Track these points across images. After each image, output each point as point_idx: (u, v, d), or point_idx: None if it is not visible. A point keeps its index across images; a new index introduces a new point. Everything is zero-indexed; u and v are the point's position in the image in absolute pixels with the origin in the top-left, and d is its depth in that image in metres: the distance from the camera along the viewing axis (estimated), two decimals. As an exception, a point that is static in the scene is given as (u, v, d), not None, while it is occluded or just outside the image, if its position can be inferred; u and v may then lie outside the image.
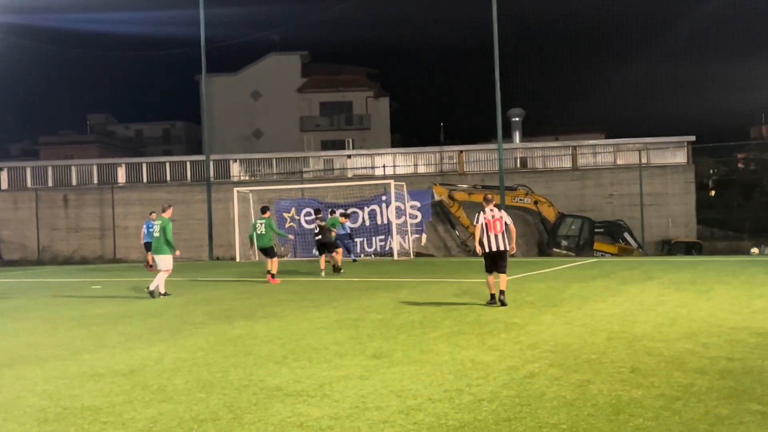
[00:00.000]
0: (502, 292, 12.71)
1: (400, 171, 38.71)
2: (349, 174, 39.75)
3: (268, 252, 19.83)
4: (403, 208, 33.20)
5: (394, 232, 31.96)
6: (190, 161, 41.42)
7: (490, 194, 13.86)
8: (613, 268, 21.03)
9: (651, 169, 36.06)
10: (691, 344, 8.45)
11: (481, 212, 12.96)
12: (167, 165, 41.34)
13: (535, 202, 34.88)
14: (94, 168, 41.68)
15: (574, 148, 38.44)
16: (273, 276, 19.29)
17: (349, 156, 41.39)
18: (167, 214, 16.37)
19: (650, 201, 35.14)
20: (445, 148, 41.75)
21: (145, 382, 7.20)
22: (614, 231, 34.47)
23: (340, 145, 55.46)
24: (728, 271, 18.94)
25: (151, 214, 27.97)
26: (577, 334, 9.32)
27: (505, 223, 12.83)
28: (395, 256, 30.99)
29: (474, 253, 13.42)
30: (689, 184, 36.63)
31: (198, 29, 36.58)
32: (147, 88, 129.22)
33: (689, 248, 33.31)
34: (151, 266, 26.43)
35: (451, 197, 35.36)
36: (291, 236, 27.88)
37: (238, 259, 32.95)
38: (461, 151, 39.57)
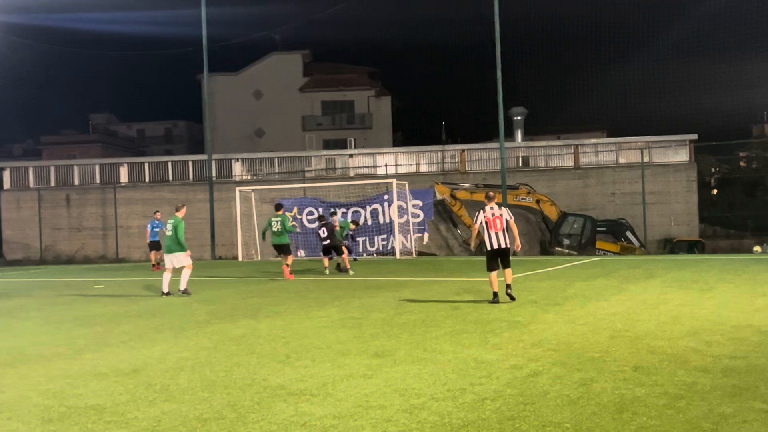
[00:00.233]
0: (508, 286, 12.87)
1: (402, 170, 38.69)
2: (351, 173, 39.75)
3: (284, 249, 20.10)
4: (405, 207, 33.21)
5: (396, 231, 31.97)
6: (192, 161, 41.43)
7: (492, 192, 13.87)
8: (615, 267, 21.02)
9: (653, 167, 36.04)
10: (694, 342, 8.44)
11: (481, 211, 12.98)
12: (169, 164, 41.35)
13: (537, 201, 34.86)
14: (97, 168, 41.71)
15: (576, 146, 38.40)
16: (291, 272, 19.89)
17: (351, 155, 41.38)
18: (180, 214, 16.32)
19: (652, 199, 35.13)
20: (447, 147, 41.73)
21: (148, 382, 7.20)
22: (616, 230, 34.45)
23: (341, 144, 55.44)
24: (731, 270, 18.94)
25: (155, 213, 28.04)
26: (579, 333, 9.32)
27: (506, 220, 12.86)
28: (397, 255, 31.00)
29: (478, 251, 13.44)
30: (691, 183, 36.59)
31: (200, 29, 36.61)
32: (149, 88, 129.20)
33: (691, 247, 33.29)
34: (156, 266, 26.48)
35: (453, 196, 35.34)
36: (298, 229, 27.60)
37: (240, 259, 32.96)
38: (463, 150, 39.55)
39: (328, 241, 21.66)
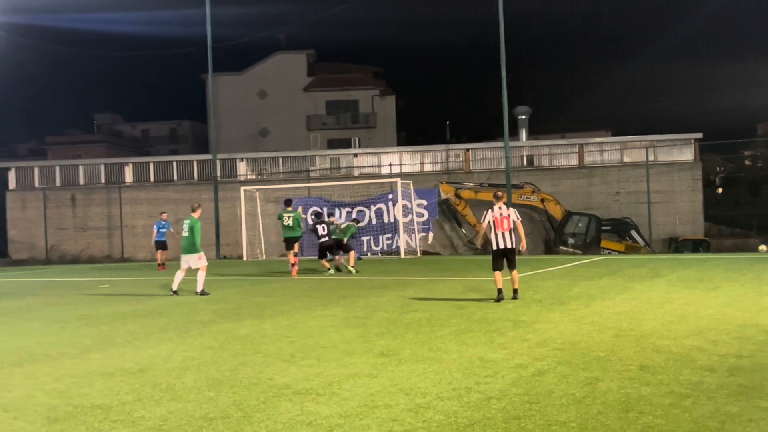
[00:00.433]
0: (515, 291, 13.05)
1: (406, 169, 38.70)
2: (356, 172, 39.77)
3: (294, 242, 20.76)
4: (409, 206, 33.21)
5: (400, 230, 31.97)
6: (197, 160, 41.49)
7: (500, 191, 13.91)
8: (620, 266, 21.00)
9: (658, 166, 36.00)
10: (699, 342, 8.43)
11: (489, 210, 13.04)
12: (174, 164, 41.42)
13: (542, 200, 34.84)
14: (102, 167, 41.78)
15: (581, 145, 38.37)
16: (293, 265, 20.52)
17: (355, 155, 41.40)
18: (197, 214, 16.31)
19: (657, 198, 35.08)
20: (452, 146, 41.72)
21: (154, 381, 7.22)
22: (621, 229, 34.41)
23: (346, 143, 55.48)
24: (736, 269, 18.90)
25: (161, 214, 28.07)
26: (585, 332, 9.32)
27: (513, 220, 12.94)
28: (402, 255, 31.00)
29: (482, 250, 13.47)
30: (696, 182, 36.54)
31: (204, 29, 36.62)
32: (153, 88, 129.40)
33: (696, 246, 33.23)
34: (163, 265, 26.53)
35: (457, 195, 35.33)
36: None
37: (245, 258, 32.98)
38: (467, 149, 39.55)
39: (326, 239, 21.55)
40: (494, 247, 12.97)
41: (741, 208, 44.73)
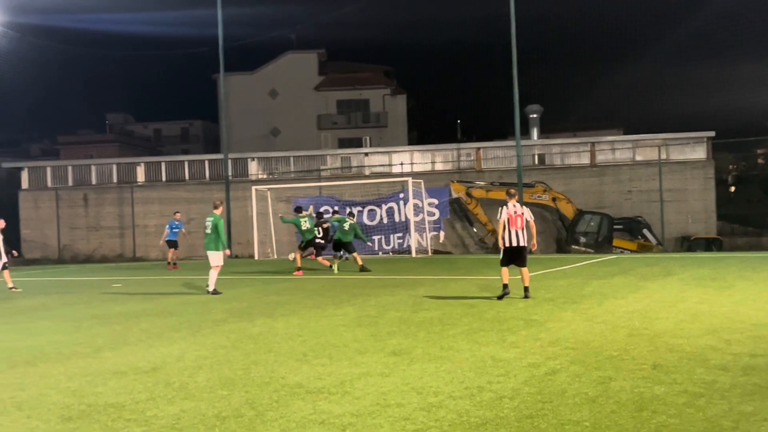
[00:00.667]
0: (526, 289, 13.09)
1: (417, 168, 38.65)
2: (367, 172, 39.76)
3: (312, 244, 21.99)
4: (420, 205, 33.21)
5: (412, 229, 31.96)
6: (209, 160, 41.58)
7: (513, 189, 13.94)
8: (632, 265, 20.93)
9: (670, 165, 35.82)
10: (713, 341, 8.39)
11: (505, 207, 13.05)
12: (186, 164, 41.51)
13: (554, 199, 34.73)
14: (114, 167, 41.93)
15: (593, 144, 38.23)
16: (299, 269, 21.39)
17: (366, 154, 41.39)
18: (219, 211, 16.34)
19: (670, 197, 34.91)
20: (463, 145, 41.64)
21: (167, 380, 7.24)
22: (633, 227, 34.28)
23: (357, 143, 55.50)
24: (749, 267, 18.81)
25: (175, 214, 28.17)
26: (597, 331, 9.29)
27: (526, 219, 12.99)
28: (413, 254, 30.99)
29: (494, 249, 13.49)
30: (709, 180, 36.35)
31: (215, 29, 36.72)
32: (165, 88, 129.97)
33: (709, 244, 33.06)
34: (173, 265, 26.61)
35: (468, 194, 35.27)
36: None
37: (256, 257, 33.04)
38: (479, 148, 39.47)
39: (323, 241, 21.82)
40: (506, 245, 12.99)
41: (754, 207, 44.48)
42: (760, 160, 53.74)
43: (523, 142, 35.76)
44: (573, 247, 33.36)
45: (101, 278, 23.55)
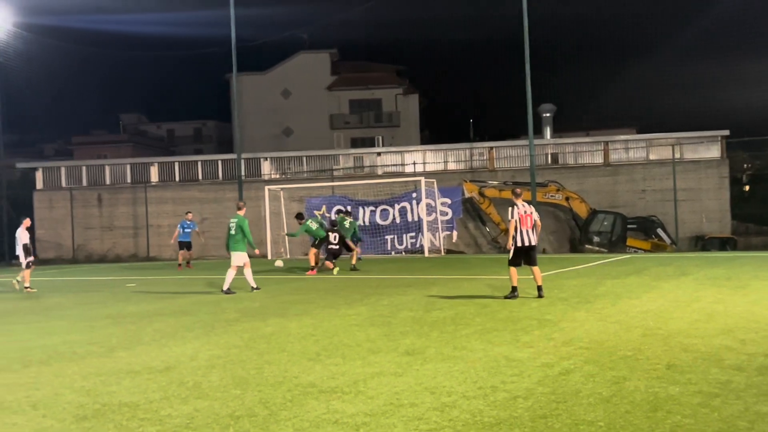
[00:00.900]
0: (539, 288, 13.11)
1: (430, 168, 38.59)
2: (379, 171, 39.72)
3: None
4: (433, 205, 33.17)
5: (424, 229, 31.93)
6: (222, 160, 41.65)
7: (519, 188, 13.94)
8: (646, 265, 20.84)
9: (684, 164, 35.62)
10: (728, 340, 8.35)
11: (515, 207, 13.03)
12: (199, 164, 41.60)
13: (567, 199, 34.62)
14: (128, 167, 42.07)
15: (606, 143, 38.06)
16: (313, 268, 21.70)
17: (378, 153, 41.35)
18: (242, 212, 16.62)
19: (684, 196, 34.72)
20: (475, 144, 41.51)
21: (180, 379, 7.26)
22: (647, 227, 34.12)
23: (369, 142, 55.50)
24: (764, 267, 18.70)
25: (186, 214, 28.26)
26: (611, 331, 9.25)
27: (535, 219, 13.05)
28: (426, 253, 30.97)
29: (505, 249, 13.46)
30: (723, 179, 36.13)
31: (228, 29, 36.75)
32: (178, 88, 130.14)
33: (723, 244, 32.87)
34: (187, 263, 26.69)
35: (481, 194, 35.21)
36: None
37: (269, 257, 33.10)
38: (491, 148, 39.36)
39: (337, 247, 21.77)
40: (518, 244, 12.98)
41: (769, 206, 44.19)
42: (774, 159, 53.37)
43: (536, 142, 35.66)
44: (586, 246, 33.23)
45: (115, 278, 23.66)
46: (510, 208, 13.26)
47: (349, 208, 30.71)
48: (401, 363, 7.66)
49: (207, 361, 8.15)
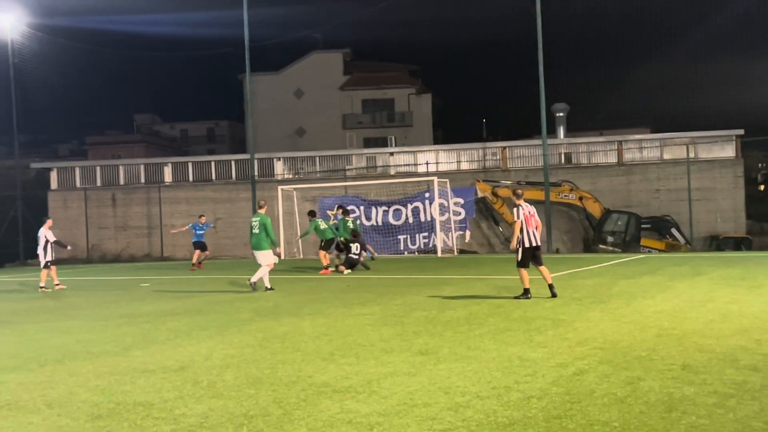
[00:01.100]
0: (551, 286, 13.09)
1: (442, 168, 38.58)
2: (392, 171, 39.75)
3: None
4: (446, 205, 33.14)
5: (437, 228, 31.90)
6: (235, 160, 41.80)
7: (520, 189, 13.93)
8: (660, 264, 20.76)
9: (699, 163, 35.45)
10: (743, 341, 8.30)
11: (520, 207, 13.03)
12: (212, 164, 41.77)
13: (580, 198, 34.54)
14: (141, 167, 42.28)
15: (620, 143, 37.94)
16: (326, 267, 21.90)
17: (391, 153, 41.37)
18: (264, 211, 16.74)
19: (698, 196, 34.56)
20: (488, 144, 41.47)
21: (195, 378, 7.28)
22: (661, 226, 34.00)
23: (382, 142, 55.49)
24: (780, 267, 18.57)
25: (200, 217, 28.36)
26: (625, 331, 9.21)
27: (537, 219, 13.18)
28: (439, 253, 30.95)
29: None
30: (738, 179, 35.94)
31: (241, 29, 36.86)
32: (191, 88, 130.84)
33: (738, 244, 32.71)
34: (198, 264, 26.76)
35: (494, 194, 35.17)
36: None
37: (282, 257, 33.14)
38: (504, 147, 39.31)
39: (357, 257, 21.84)
40: (525, 245, 12.96)
41: (784, 206, 43.96)
42: (790, 159, 53.10)
43: (550, 141, 35.61)
44: (600, 246, 33.15)
45: (129, 278, 23.76)
46: (514, 209, 13.24)
47: (362, 207, 30.73)
48: (415, 363, 7.66)
49: (221, 361, 8.17)
